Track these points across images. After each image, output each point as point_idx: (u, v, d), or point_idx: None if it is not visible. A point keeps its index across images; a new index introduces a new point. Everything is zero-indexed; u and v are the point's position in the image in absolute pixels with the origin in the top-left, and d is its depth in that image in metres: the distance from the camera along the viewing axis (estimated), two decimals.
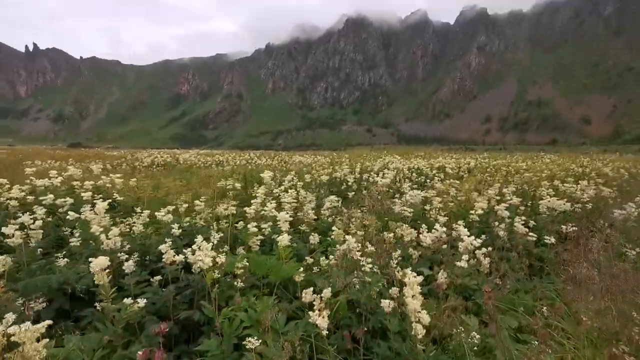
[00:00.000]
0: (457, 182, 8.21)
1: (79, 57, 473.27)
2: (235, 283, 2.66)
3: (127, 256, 2.81)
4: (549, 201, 5.68)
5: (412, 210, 5.24)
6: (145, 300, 2.46)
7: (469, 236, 3.73)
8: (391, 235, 4.10)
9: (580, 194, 6.64)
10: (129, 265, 2.75)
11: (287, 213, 4.13)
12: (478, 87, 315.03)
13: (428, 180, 10.15)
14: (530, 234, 4.53)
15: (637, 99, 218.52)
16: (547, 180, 8.86)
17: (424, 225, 4.30)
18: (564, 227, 4.91)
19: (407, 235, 4.10)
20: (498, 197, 6.12)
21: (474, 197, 6.15)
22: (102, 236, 2.92)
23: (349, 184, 9.17)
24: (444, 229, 4.12)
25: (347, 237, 3.28)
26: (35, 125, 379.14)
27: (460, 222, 4.24)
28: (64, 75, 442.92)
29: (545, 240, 4.44)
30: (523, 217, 5.03)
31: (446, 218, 4.90)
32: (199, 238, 2.84)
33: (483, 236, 4.91)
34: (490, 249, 3.98)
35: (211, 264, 2.50)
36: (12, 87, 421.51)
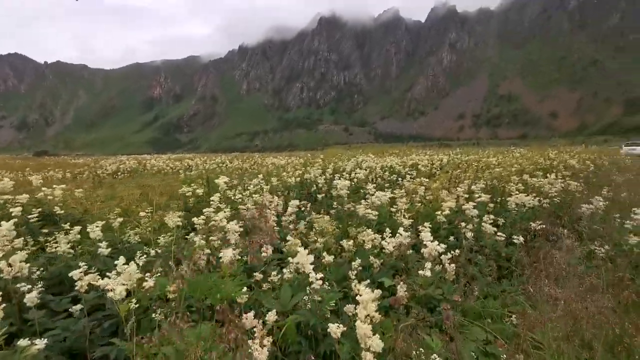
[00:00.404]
0: (427, 180, 8.02)
1: (43, 62, 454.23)
2: (154, 315, 2.27)
3: (29, 287, 2.37)
4: (517, 197, 5.53)
5: (377, 213, 4.94)
6: (45, 341, 2.04)
7: (432, 241, 3.45)
8: (351, 242, 3.79)
9: (549, 188, 6.55)
10: (30, 298, 2.31)
11: (238, 223, 3.74)
12: (450, 84, 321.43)
13: (400, 179, 9.92)
14: (499, 233, 4.32)
15: (601, 92, 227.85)
16: (517, 174, 8.81)
17: (388, 230, 4.00)
18: (532, 224, 4.75)
19: (369, 241, 3.79)
20: (466, 195, 5.92)
21: (442, 196, 5.93)
22: (2, 262, 2.48)
23: (319, 185, 8.83)
24: (408, 233, 3.84)
25: (298, 248, 2.92)
26: None
27: (427, 223, 3.96)
28: (28, 81, 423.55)
29: (514, 240, 4.25)
30: (492, 216, 4.83)
31: (411, 220, 4.64)
32: (121, 260, 2.45)
33: (452, 237, 4.68)
34: (457, 251, 3.73)
35: (125, 294, 2.11)
36: None
